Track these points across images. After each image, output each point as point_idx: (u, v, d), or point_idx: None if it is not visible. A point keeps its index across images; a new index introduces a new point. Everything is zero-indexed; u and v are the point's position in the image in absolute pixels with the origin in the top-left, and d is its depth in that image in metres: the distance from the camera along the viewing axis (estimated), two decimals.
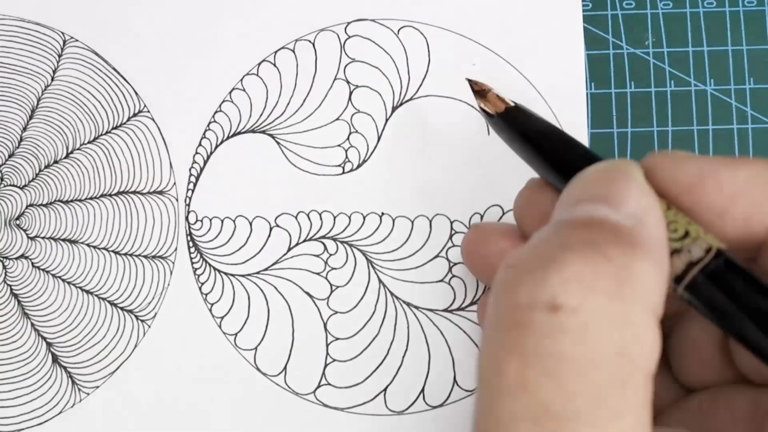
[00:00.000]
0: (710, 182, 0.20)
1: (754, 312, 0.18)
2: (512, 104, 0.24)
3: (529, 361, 0.16)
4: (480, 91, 0.25)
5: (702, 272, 0.19)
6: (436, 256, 0.30)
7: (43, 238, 0.31)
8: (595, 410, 0.16)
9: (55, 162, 0.31)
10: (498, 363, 0.17)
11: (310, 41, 0.31)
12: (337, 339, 0.30)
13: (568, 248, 0.17)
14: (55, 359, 0.30)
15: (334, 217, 0.31)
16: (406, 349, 0.30)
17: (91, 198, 0.31)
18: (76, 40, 0.31)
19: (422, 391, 0.30)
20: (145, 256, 0.31)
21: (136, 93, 0.31)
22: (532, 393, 0.16)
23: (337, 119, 0.31)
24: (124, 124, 0.31)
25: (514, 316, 0.17)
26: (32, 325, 0.30)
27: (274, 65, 0.31)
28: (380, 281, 0.30)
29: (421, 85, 0.31)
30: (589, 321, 0.16)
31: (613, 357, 0.16)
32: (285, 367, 0.30)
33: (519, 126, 0.24)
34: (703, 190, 0.20)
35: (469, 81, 0.25)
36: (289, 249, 0.31)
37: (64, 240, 0.31)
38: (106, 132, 0.31)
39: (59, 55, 0.31)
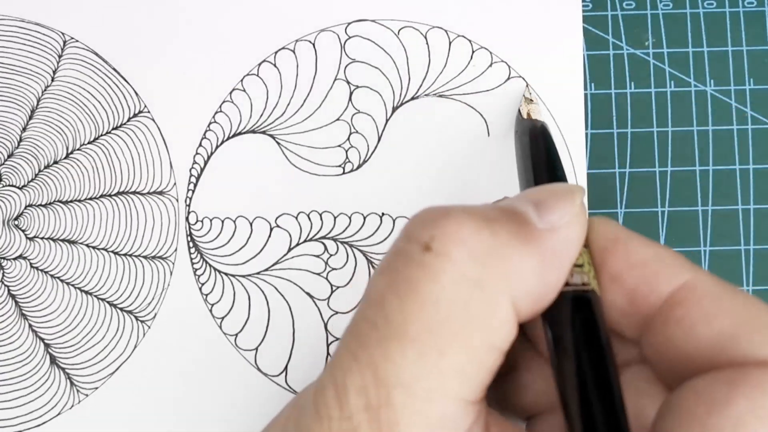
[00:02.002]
0: (620, 248, 0.22)
1: (579, 353, 0.20)
2: (542, 120, 0.28)
3: (391, 281, 0.19)
4: (529, 99, 0.30)
5: (565, 296, 0.21)
6: None
7: (42, 238, 0.31)
8: (423, 338, 0.19)
9: (55, 162, 0.31)
10: (374, 276, 0.20)
11: (310, 41, 0.31)
12: (337, 339, 0.30)
13: (467, 214, 0.20)
14: (54, 360, 0.30)
15: (335, 218, 0.31)
16: None
17: (90, 198, 0.31)
18: (76, 41, 0.31)
19: None
20: (145, 257, 0.30)
21: (136, 93, 0.31)
22: (381, 305, 0.19)
23: (338, 119, 0.31)
24: (124, 124, 0.31)
25: (400, 245, 0.20)
26: (30, 326, 0.30)
27: (274, 65, 0.31)
28: None
29: (421, 85, 0.31)
30: (447, 269, 0.19)
31: (454, 306, 0.19)
32: (286, 368, 0.30)
33: (536, 134, 0.27)
34: (612, 252, 0.22)
35: (527, 89, 0.31)
36: (290, 249, 0.30)
37: (63, 240, 0.31)
38: (106, 132, 0.31)
39: (59, 56, 0.31)
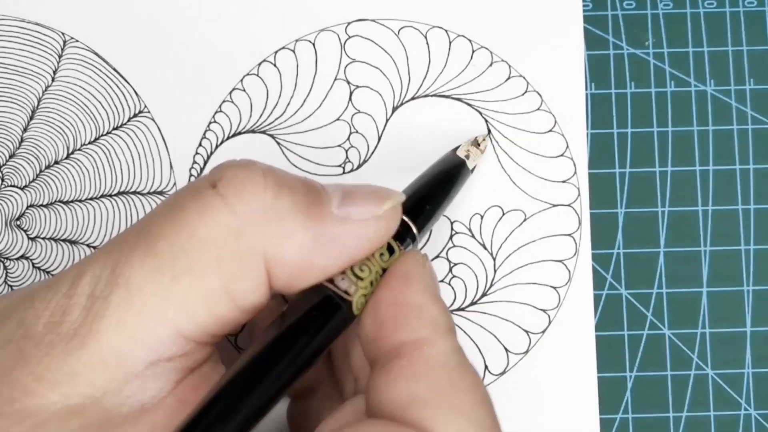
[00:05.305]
0: (400, 282, 0.22)
1: (276, 346, 0.20)
2: (464, 158, 0.29)
3: (170, 201, 0.21)
4: (477, 144, 0.30)
5: (318, 290, 0.21)
6: (437, 256, 0.30)
7: (43, 238, 0.31)
8: (165, 258, 0.19)
9: (56, 162, 0.31)
10: (170, 194, 0.21)
11: (310, 41, 0.31)
12: None
13: (264, 172, 0.20)
14: None
15: None
16: None
17: (91, 198, 0.31)
18: (77, 41, 0.31)
19: None
20: None
21: (136, 93, 0.31)
22: (151, 217, 0.20)
23: (338, 119, 0.31)
24: (125, 124, 0.31)
25: (199, 178, 0.21)
26: None
27: (274, 65, 0.31)
28: None
29: (421, 85, 0.31)
30: (217, 209, 0.20)
31: (206, 244, 0.20)
32: None
33: (453, 172, 0.28)
34: (390, 283, 0.22)
35: (484, 136, 0.30)
36: None
37: (64, 240, 0.31)
38: (107, 132, 0.31)
39: (59, 56, 0.31)
